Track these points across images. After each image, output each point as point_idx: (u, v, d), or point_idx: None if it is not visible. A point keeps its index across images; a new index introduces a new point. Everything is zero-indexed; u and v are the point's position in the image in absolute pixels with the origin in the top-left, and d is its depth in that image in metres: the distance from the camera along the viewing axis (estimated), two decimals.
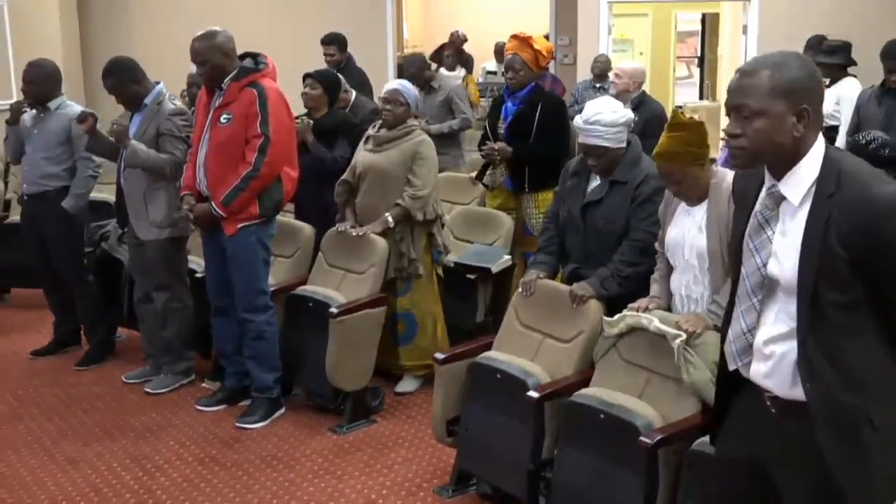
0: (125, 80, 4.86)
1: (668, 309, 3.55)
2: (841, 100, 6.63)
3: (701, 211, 3.45)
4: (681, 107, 7.20)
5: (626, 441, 3.15)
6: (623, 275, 3.81)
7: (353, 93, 6.23)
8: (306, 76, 5.55)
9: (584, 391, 3.45)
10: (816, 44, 7.39)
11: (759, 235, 2.19)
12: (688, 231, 3.47)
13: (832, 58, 6.88)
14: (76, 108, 5.39)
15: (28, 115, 5.42)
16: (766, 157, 2.15)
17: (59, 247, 5.41)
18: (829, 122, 6.67)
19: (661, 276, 3.65)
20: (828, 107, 6.76)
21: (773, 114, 2.08)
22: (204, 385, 5.15)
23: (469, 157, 7.53)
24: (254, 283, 4.60)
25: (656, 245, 3.69)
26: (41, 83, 5.27)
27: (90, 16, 10.72)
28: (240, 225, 4.49)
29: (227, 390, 4.92)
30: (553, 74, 8.75)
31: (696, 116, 3.40)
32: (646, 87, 6.81)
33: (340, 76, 6.00)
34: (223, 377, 4.97)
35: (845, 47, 7.10)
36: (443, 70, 8.96)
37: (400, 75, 9.82)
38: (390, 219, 4.79)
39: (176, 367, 5.15)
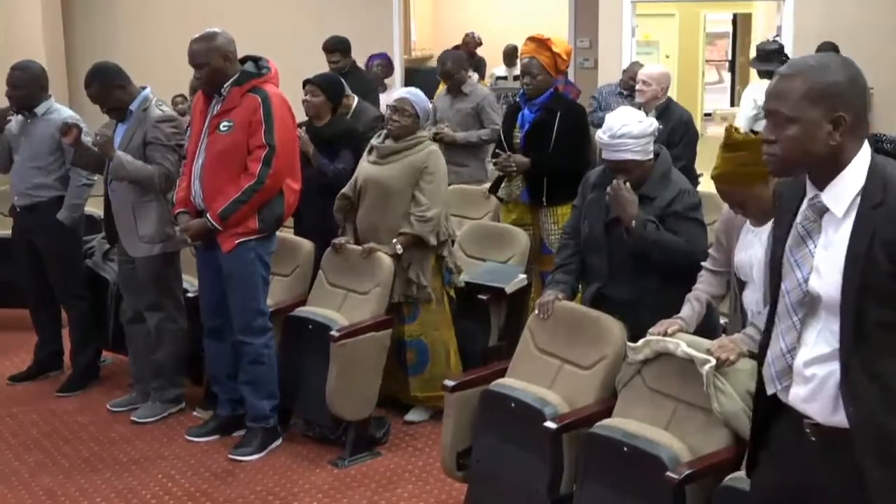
0: (109, 86, 4.89)
1: (696, 334, 3.55)
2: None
3: (767, 230, 3.45)
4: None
5: (652, 476, 3.15)
6: (665, 236, 3.79)
7: (356, 98, 6.27)
8: (306, 82, 5.57)
9: (605, 422, 3.46)
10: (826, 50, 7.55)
11: (800, 249, 2.20)
12: (756, 251, 3.49)
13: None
14: (65, 111, 5.45)
15: (14, 122, 5.46)
16: (800, 166, 2.16)
17: (55, 261, 5.46)
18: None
19: (698, 298, 3.66)
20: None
21: (806, 120, 2.10)
22: (195, 414, 5.17)
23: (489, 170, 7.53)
24: (252, 302, 4.62)
25: (707, 264, 3.71)
26: (27, 87, 5.32)
27: (74, 16, 10.79)
28: (238, 240, 4.52)
29: (219, 419, 4.94)
30: (567, 78, 8.77)
31: (742, 126, 3.41)
32: (672, 93, 6.84)
33: (343, 80, 6.03)
34: (216, 405, 4.99)
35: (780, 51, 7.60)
36: (475, 76, 8.97)
37: (408, 80, 9.87)
38: (399, 247, 4.81)
39: (165, 393, 5.17)
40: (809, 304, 2.18)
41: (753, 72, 9.02)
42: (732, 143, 3.38)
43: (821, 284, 2.15)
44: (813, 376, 2.19)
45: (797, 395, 2.22)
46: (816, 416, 2.19)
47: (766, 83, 7.79)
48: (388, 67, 8.74)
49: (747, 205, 3.45)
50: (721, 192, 3.51)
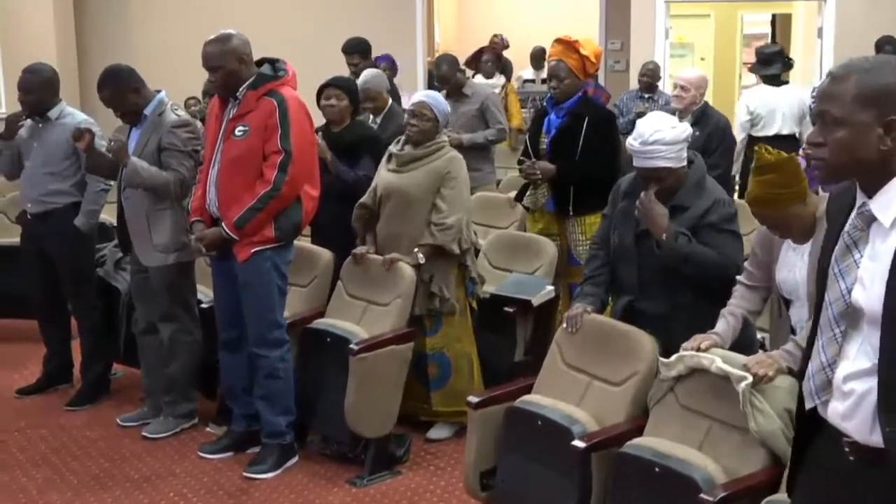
0: (122, 90, 4.93)
1: (732, 349, 3.54)
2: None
3: (809, 247, 3.44)
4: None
5: (685, 498, 3.14)
6: (697, 249, 3.79)
7: (391, 99, 6.29)
8: (326, 85, 5.56)
9: (636, 441, 3.46)
10: (885, 44, 7.52)
11: (845, 259, 2.19)
12: (799, 270, 3.48)
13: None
14: (79, 115, 5.50)
15: (25, 127, 5.51)
16: (848, 172, 2.16)
17: (68, 269, 5.50)
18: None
19: (733, 313, 3.66)
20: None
21: (856, 124, 2.09)
22: (208, 429, 5.20)
23: (505, 173, 7.54)
24: (268, 314, 4.65)
25: (741, 278, 3.71)
26: (38, 91, 5.37)
27: (86, 17, 10.89)
28: (254, 249, 4.53)
29: (233, 435, 4.96)
30: (597, 82, 8.79)
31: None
32: (707, 98, 6.82)
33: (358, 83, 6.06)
34: (230, 421, 5.01)
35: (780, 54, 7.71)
36: (478, 77, 9.01)
37: (430, 82, 9.90)
38: (421, 256, 4.82)
39: (178, 408, 5.20)
40: (852, 317, 2.18)
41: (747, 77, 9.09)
42: (764, 166, 3.39)
43: (864, 296, 2.14)
44: (851, 392, 2.17)
45: (835, 411, 2.21)
46: (854, 434, 2.18)
47: (763, 88, 7.86)
48: (392, 70, 8.77)
49: (787, 226, 3.46)
50: (758, 218, 3.53)
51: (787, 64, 8.31)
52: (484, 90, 7.29)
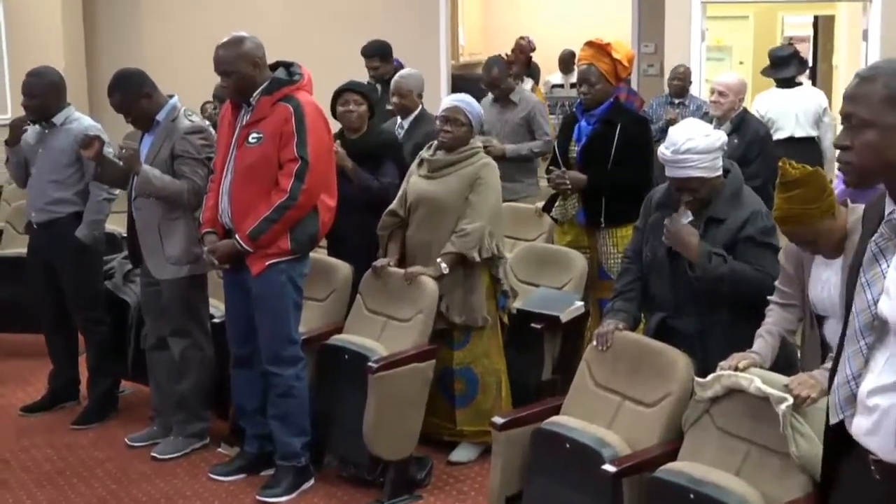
0: (134, 95, 4.96)
1: (771, 369, 3.53)
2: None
3: (841, 261, 3.43)
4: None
5: None
6: (736, 268, 3.79)
7: (421, 103, 6.30)
8: (343, 90, 5.55)
9: (670, 465, 3.44)
10: None
11: (872, 268, 2.19)
12: (833, 286, 3.47)
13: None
14: (85, 121, 5.54)
15: (31, 132, 5.56)
16: (876, 175, 2.16)
17: (73, 282, 5.54)
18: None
19: (770, 332, 3.65)
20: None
21: (884, 126, 2.10)
22: (220, 450, 5.21)
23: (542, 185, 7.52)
24: (282, 329, 4.66)
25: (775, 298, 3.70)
26: (43, 96, 5.41)
27: (97, 17, 10.98)
28: (268, 262, 4.55)
29: (246, 457, 4.97)
30: (629, 87, 8.78)
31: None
32: (746, 104, 6.81)
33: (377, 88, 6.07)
34: (242, 441, 5.02)
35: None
36: (528, 83, 9.01)
37: (455, 88, 9.91)
38: (444, 265, 4.84)
39: (189, 427, 5.21)
40: (878, 328, 2.17)
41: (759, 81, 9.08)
42: (790, 182, 3.40)
43: (889, 307, 2.14)
44: (876, 407, 2.17)
45: (860, 427, 2.21)
46: (879, 452, 2.17)
47: (775, 92, 7.85)
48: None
49: (817, 242, 3.46)
50: (787, 234, 3.53)
51: (803, 65, 8.33)
52: (532, 99, 7.23)
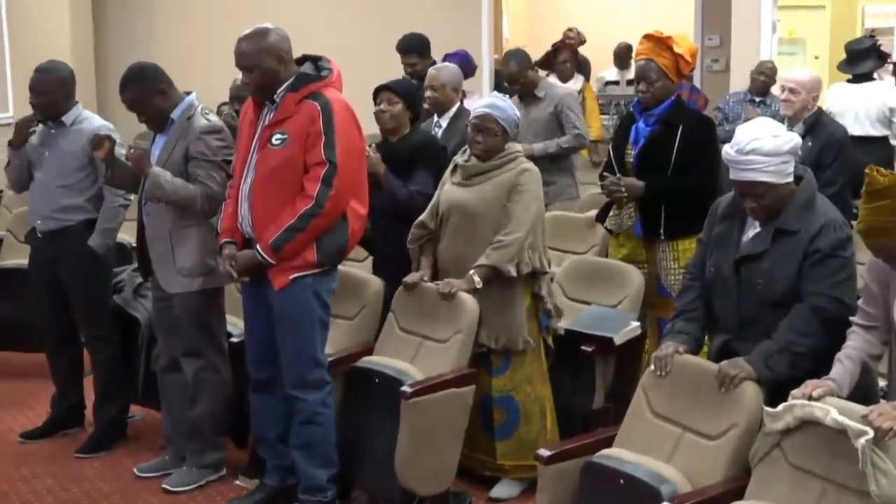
0: (148, 91, 5.00)
1: (848, 398, 3.51)
2: None
3: None
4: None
5: None
6: (797, 350, 3.78)
7: (458, 99, 6.31)
8: (380, 89, 5.57)
9: None
10: None
11: None
12: None
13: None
14: (96, 120, 5.61)
15: (36, 133, 5.61)
16: None
17: (81, 296, 5.60)
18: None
19: (850, 356, 3.63)
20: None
21: None
22: (237, 483, 5.24)
23: (585, 189, 7.51)
24: (308, 350, 4.67)
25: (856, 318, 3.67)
26: (52, 93, 5.47)
27: (106, 11, 11.08)
28: (292, 275, 4.56)
29: (266, 490, 4.97)
30: (692, 84, 8.76)
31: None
32: (821, 103, 6.76)
33: (419, 87, 6.09)
34: (262, 473, 5.03)
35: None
36: (552, 79, 9.01)
37: (498, 83, 9.91)
38: (477, 279, 4.84)
39: (203, 457, 5.24)
40: None
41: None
42: (877, 191, 3.38)
43: None
44: None
45: None
46: None
47: (842, 86, 7.79)
48: (466, 70, 8.75)
49: None
50: (872, 248, 3.50)
51: (882, 60, 8.28)
52: (559, 91, 7.28)
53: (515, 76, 7.10)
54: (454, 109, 6.38)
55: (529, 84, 7.12)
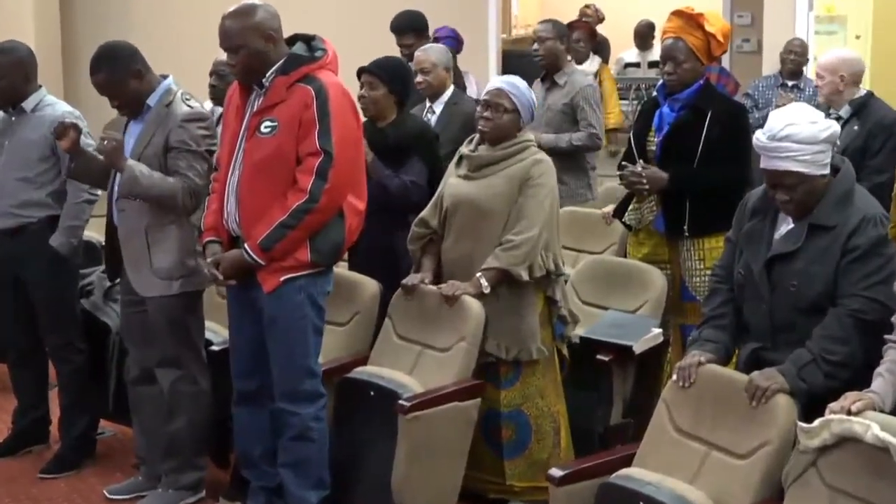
0: (122, 74, 4.98)
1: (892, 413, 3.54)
2: None
3: None
4: None
5: None
6: (832, 359, 3.80)
7: (450, 80, 6.33)
8: (362, 71, 5.62)
9: None
10: None
11: None
12: None
13: None
14: (61, 106, 5.62)
15: None
16: None
17: (46, 301, 5.61)
18: None
19: (891, 370, 3.65)
20: None
21: None
22: None
23: (601, 182, 7.51)
24: (300, 359, 4.69)
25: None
26: (9, 76, 5.47)
27: None
28: (284, 277, 4.58)
29: None
30: (721, 66, 8.78)
31: None
32: (866, 86, 6.78)
33: (409, 66, 6.10)
34: (246, 495, 5.05)
35: None
36: (591, 62, 9.06)
37: (506, 66, 9.92)
38: (484, 282, 4.88)
39: (181, 477, 5.24)
40: None
41: None
42: None
43: None
44: None
45: None
46: None
47: None
48: (454, 47, 8.76)
49: None
50: None
51: None
52: (580, 80, 7.24)
53: (543, 40, 7.12)
54: (448, 93, 6.42)
55: (553, 59, 7.15)
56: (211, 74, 5.72)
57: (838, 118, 5.82)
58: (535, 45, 7.25)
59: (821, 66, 6.32)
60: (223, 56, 5.43)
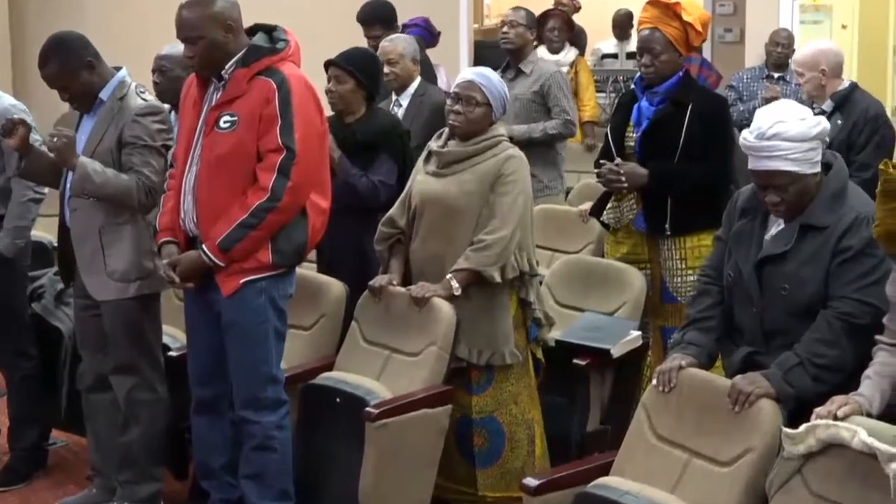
0: (73, 65, 4.95)
1: (882, 418, 3.55)
2: None
3: None
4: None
5: None
6: (820, 362, 3.82)
7: (418, 71, 6.33)
8: (329, 63, 5.62)
9: None
10: None
11: None
12: None
13: None
14: (6, 99, 5.60)
15: None
16: None
17: None
18: None
19: (879, 373, 3.67)
20: None
21: None
22: None
23: (578, 179, 7.53)
24: (261, 365, 4.68)
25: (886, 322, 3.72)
26: None
27: None
28: (244, 279, 4.57)
29: None
30: (703, 58, 8.80)
31: None
32: (852, 77, 6.81)
33: (378, 59, 6.11)
34: None
35: None
36: (541, 50, 9.07)
37: (478, 58, 9.92)
38: (455, 283, 4.88)
39: (137, 490, 5.20)
40: None
41: None
42: (893, 190, 3.40)
43: None
44: None
45: None
46: None
47: None
48: (427, 40, 8.75)
49: None
50: (892, 256, 3.55)
51: None
52: (546, 67, 7.30)
53: (515, 25, 7.15)
54: (415, 85, 6.42)
55: (520, 46, 7.16)
56: (153, 71, 5.71)
57: (821, 112, 5.82)
58: (505, 29, 7.27)
59: (799, 64, 6.34)
60: (165, 51, 5.47)
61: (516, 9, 7.47)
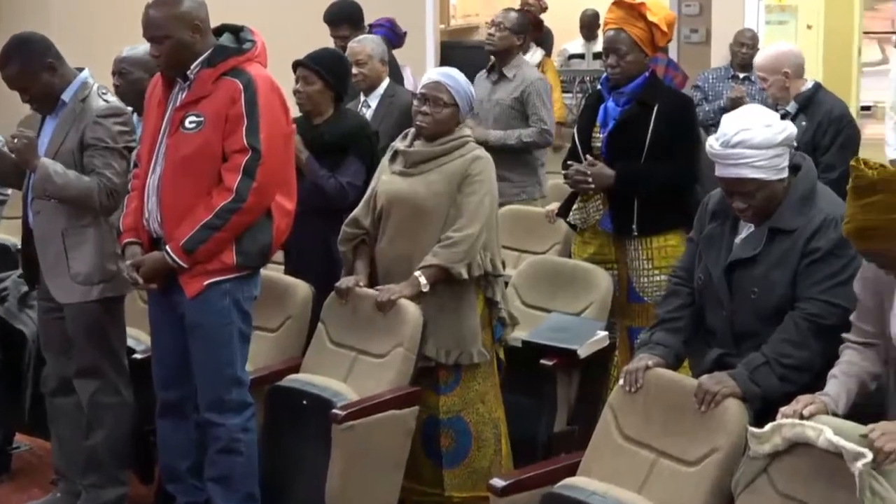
0: (34, 67, 4.94)
1: (849, 417, 3.57)
2: None
3: None
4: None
5: None
6: (787, 362, 3.84)
7: (386, 73, 6.32)
8: (297, 64, 5.63)
9: None
10: None
11: None
12: None
13: None
14: None
15: None
16: None
17: None
18: None
19: (845, 371, 3.69)
20: None
21: None
22: None
23: (550, 184, 7.54)
24: (225, 367, 4.67)
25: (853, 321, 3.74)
26: None
27: None
28: (208, 281, 4.56)
29: None
30: (669, 58, 8.84)
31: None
32: (818, 78, 6.83)
33: (346, 59, 6.10)
34: None
35: None
36: (534, 53, 9.09)
37: (444, 58, 9.92)
38: (423, 280, 4.89)
39: (102, 494, 5.20)
40: None
41: None
42: (866, 185, 3.41)
43: None
44: None
45: None
46: None
47: None
48: (393, 41, 8.73)
49: None
50: (863, 253, 3.56)
51: None
52: (529, 73, 7.25)
53: (503, 28, 7.14)
54: (384, 86, 6.42)
55: (505, 49, 7.17)
56: (113, 74, 5.68)
57: (785, 114, 5.85)
58: (492, 30, 7.26)
59: (760, 68, 6.36)
60: (125, 53, 5.45)
61: (508, 10, 7.45)
